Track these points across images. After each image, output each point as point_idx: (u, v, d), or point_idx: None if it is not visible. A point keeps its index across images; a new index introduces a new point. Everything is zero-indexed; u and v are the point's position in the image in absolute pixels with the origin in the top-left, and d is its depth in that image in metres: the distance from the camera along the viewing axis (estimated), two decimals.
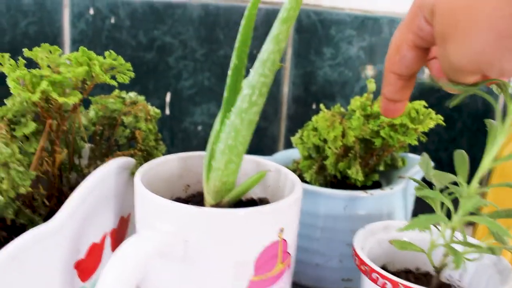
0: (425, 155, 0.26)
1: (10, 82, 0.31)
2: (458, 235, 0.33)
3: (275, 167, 0.35)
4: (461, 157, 0.32)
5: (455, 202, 0.32)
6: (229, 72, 0.31)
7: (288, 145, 0.58)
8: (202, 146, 0.57)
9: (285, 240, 0.30)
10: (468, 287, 0.35)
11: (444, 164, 0.56)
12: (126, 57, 0.55)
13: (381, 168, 0.45)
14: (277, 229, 0.29)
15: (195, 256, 0.27)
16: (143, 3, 0.54)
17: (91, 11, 0.54)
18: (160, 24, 0.55)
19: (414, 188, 0.34)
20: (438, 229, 0.32)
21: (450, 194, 0.32)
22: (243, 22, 0.30)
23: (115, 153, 0.38)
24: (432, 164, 0.29)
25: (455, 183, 0.31)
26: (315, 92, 0.57)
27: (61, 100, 0.31)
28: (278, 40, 0.27)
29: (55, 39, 0.55)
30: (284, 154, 0.51)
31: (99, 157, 0.41)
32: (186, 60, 0.56)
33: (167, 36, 0.55)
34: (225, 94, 0.32)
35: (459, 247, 0.34)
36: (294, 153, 0.50)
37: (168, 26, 0.55)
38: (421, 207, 0.43)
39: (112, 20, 0.55)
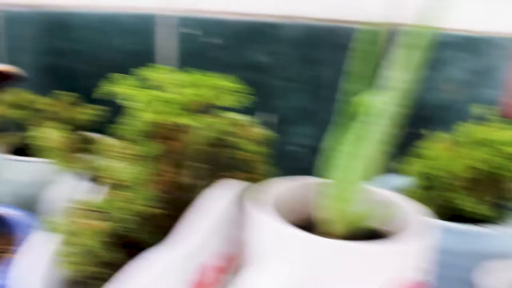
0: None
1: (143, 105, 0.31)
2: None
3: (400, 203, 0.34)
4: None
5: None
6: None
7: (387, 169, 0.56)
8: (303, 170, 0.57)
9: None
10: None
11: None
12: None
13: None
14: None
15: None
16: (246, 22, 0.55)
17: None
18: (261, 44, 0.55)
19: None
20: None
21: None
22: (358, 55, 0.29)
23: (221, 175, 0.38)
24: None
25: None
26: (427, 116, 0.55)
27: (181, 121, 0.32)
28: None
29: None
30: (386, 181, 0.48)
31: (203, 177, 0.41)
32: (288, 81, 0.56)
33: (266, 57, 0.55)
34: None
35: None
36: (396, 181, 0.48)
37: (271, 46, 0.55)
38: None
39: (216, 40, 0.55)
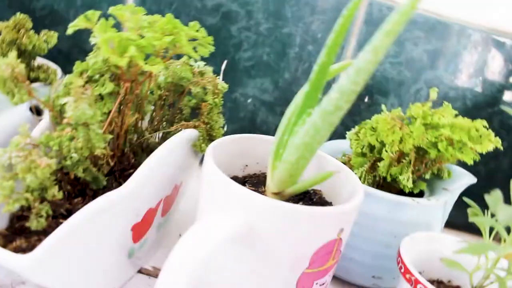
0: (498, 192, 0.26)
1: (101, 44, 0.31)
2: (504, 262, 0.34)
3: (335, 163, 0.36)
4: None
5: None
6: (315, 68, 0.32)
7: (337, 135, 0.59)
8: (248, 119, 0.58)
9: (341, 239, 0.31)
10: None
11: (481, 178, 0.56)
12: (188, 18, 0.55)
13: (427, 176, 0.46)
14: (338, 229, 0.30)
15: (256, 242, 0.29)
16: None
17: None
18: None
19: (469, 213, 0.34)
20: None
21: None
22: (340, 21, 0.30)
23: (181, 124, 0.39)
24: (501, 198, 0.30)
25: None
26: (370, 85, 0.57)
27: (146, 68, 0.32)
28: (377, 51, 0.27)
29: None
30: (334, 144, 0.51)
31: (160, 123, 0.42)
32: (249, 32, 0.56)
33: (234, 4, 0.55)
34: (307, 88, 0.32)
35: (502, 273, 0.35)
36: (344, 145, 0.50)
37: None
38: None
39: None
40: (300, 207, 0.28)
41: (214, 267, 0.31)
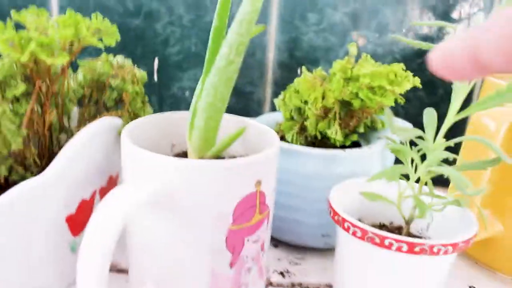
0: (388, 109, 0.27)
1: (0, 44, 0.32)
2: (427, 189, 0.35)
3: (255, 125, 0.37)
4: (429, 114, 0.34)
5: (425, 157, 0.34)
6: (211, 34, 0.33)
7: (274, 108, 0.60)
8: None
9: (262, 192, 0.32)
10: (436, 237, 0.37)
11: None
12: (113, 22, 0.56)
13: (361, 129, 0.47)
14: (254, 181, 0.31)
15: (176, 205, 0.29)
16: None
17: None
18: None
19: (386, 144, 0.36)
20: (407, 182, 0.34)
21: (419, 150, 0.34)
22: None
23: (103, 114, 0.40)
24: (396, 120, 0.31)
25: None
26: (300, 57, 0.59)
27: (49, 61, 0.33)
28: (254, 0, 0.28)
29: (42, 5, 0.56)
30: (269, 117, 0.52)
31: (88, 118, 0.42)
32: (173, 26, 0.57)
33: (154, 2, 0.56)
34: (207, 55, 0.33)
35: (427, 199, 0.36)
36: (278, 116, 0.52)
37: None
38: None
39: None
40: (206, 162, 0.29)
41: (145, 237, 0.32)
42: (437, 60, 0.16)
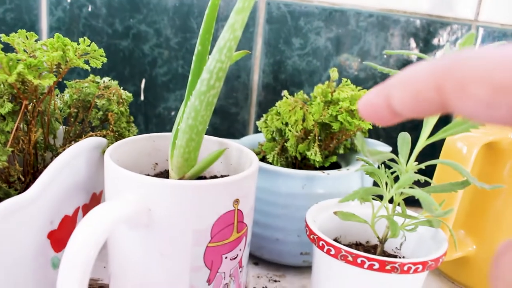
0: (359, 133, 0.29)
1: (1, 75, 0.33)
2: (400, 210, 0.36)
3: (236, 146, 0.38)
4: (403, 138, 0.35)
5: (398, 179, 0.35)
6: (194, 58, 0.34)
7: (258, 129, 0.61)
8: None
9: (240, 210, 0.33)
10: (410, 256, 0.38)
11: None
12: (102, 44, 0.58)
13: (341, 151, 0.49)
14: (232, 200, 0.32)
15: (156, 223, 0.30)
16: None
17: None
18: (136, 13, 0.57)
19: (361, 166, 0.37)
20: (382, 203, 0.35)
21: (393, 173, 0.35)
22: (207, 11, 0.33)
23: (88, 134, 0.41)
24: (367, 142, 0.32)
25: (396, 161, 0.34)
26: (284, 80, 0.60)
27: (36, 81, 0.34)
28: (234, 29, 0.30)
29: (32, 27, 0.57)
30: (252, 138, 0.54)
31: (73, 137, 0.43)
32: (161, 48, 0.59)
33: (142, 25, 0.58)
34: (190, 78, 0.34)
35: (400, 219, 0.37)
36: (261, 137, 0.53)
37: (143, 15, 0.57)
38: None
39: (89, 8, 0.57)
40: (185, 182, 0.30)
41: (126, 254, 0.33)
42: (360, 107, 0.17)
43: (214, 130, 0.62)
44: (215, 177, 0.39)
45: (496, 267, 0.15)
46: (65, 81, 0.44)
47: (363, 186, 0.49)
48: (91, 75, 0.46)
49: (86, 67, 0.38)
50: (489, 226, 0.45)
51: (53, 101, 0.40)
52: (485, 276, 0.46)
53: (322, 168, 0.47)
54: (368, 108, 0.17)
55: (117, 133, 0.42)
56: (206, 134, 0.34)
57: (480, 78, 0.13)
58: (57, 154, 0.41)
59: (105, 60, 0.39)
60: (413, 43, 0.61)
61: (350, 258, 0.32)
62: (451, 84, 0.14)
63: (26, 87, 0.37)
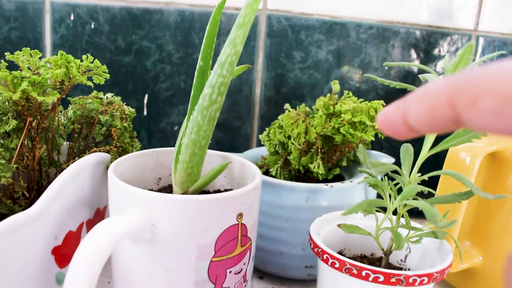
0: (361, 146, 0.29)
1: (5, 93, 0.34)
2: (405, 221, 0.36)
3: (239, 160, 0.39)
4: (406, 149, 0.35)
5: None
6: (196, 73, 0.34)
7: (261, 143, 0.61)
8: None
9: (244, 224, 0.33)
10: (415, 268, 0.38)
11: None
12: (105, 60, 0.58)
13: (344, 163, 0.49)
14: (236, 215, 0.32)
15: (160, 238, 0.30)
16: (122, 9, 0.57)
17: (72, 17, 0.57)
18: (138, 29, 0.58)
19: (364, 178, 0.37)
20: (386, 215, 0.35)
21: (396, 184, 0.35)
22: (208, 26, 0.33)
23: (92, 150, 0.41)
24: (370, 154, 0.32)
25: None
26: (286, 93, 0.61)
27: (40, 98, 0.34)
28: (235, 43, 0.30)
29: (36, 44, 0.58)
30: (255, 151, 0.54)
31: (77, 153, 0.43)
32: (163, 64, 0.59)
33: (145, 41, 0.58)
34: (192, 92, 0.35)
35: (404, 232, 0.37)
36: (264, 151, 0.53)
37: (145, 31, 0.58)
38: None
39: (92, 26, 0.57)
40: (188, 197, 0.30)
41: (130, 269, 0.33)
42: (379, 121, 0.18)
43: (217, 144, 0.62)
44: (218, 191, 0.39)
45: (508, 276, 0.16)
46: (68, 98, 0.44)
47: (367, 198, 0.49)
48: (95, 91, 0.46)
49: (89, 83, 0.38)
50: (494, 236, 0.45)
51: (57, 118, 0.41)
52: (492, 287, 0.45)
53: (325, 180, 0.47)
54: (386, 123, 0.18)
55: (120, 149, 0.42)
56: (209, 148, 0.35)
57: (488, 91, 0.14)
58: (61, 170, 0.41)
59: (108, 76, 0.40)
60: (413, 54, 0.61)
61: (354, 271, 0.32)
62: (463, 99, 0.15)
63: (30, 104, 0.37)
